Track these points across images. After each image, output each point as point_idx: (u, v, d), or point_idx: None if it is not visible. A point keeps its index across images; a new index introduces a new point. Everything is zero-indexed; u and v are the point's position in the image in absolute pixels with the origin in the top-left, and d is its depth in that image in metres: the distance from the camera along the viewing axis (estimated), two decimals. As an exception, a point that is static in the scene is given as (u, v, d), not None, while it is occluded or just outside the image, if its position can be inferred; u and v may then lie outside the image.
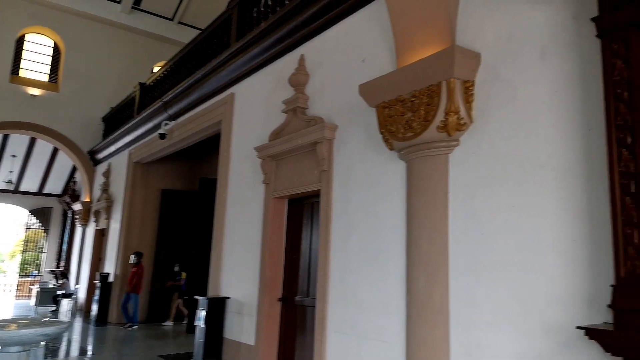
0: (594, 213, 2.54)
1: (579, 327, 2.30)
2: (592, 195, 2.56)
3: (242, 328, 5.40)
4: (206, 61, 6.98)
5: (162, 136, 7.97)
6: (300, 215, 5.16)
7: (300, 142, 4.70)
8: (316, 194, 4.65)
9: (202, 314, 5.66)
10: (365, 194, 3.99)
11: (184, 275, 9.42)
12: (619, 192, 2.32)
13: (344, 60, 4.49)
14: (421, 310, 3.25)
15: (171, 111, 8.04)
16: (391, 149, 3.68)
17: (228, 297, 5.74)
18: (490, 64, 3.20)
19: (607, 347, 2.22)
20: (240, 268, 5.65)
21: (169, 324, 9.33)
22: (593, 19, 2.53)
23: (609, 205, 2.40)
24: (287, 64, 5.27)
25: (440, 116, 3.25)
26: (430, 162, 3.39)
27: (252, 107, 5.92)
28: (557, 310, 2.62)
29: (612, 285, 2.29)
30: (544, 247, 2.74)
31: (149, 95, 9.68)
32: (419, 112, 3.38)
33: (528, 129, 2.91)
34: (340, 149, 4.35)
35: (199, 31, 8.25)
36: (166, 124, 8.00)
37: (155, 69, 12.45)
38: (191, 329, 7.22)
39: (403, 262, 3.53)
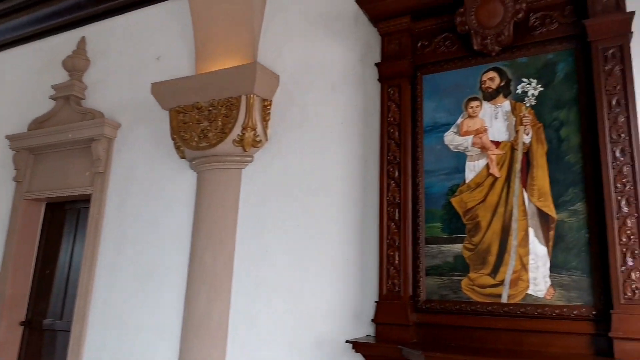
0: (365, 236, 2.82)
1: (347, 341, 2.49)
2: (366, 219, 2.85)
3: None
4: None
5: None
6: (61, 222, 4.38)
7: (72, 136, 4.03)
8: (85, 199, 4.03)
9: None
10: (148, 203, 3.64)
11: None
12: (386, 218, 2.64)
13: (135, 53, 4.07)
14: (199, 330, 3.08)
15: None
16: (182, 157, 3.47)
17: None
18: (288, 88, 3.32)
19: (369, 358, 2.47)
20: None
21: None
22: (376, 64, 2.87)
23: (377, 229, 2.73)
24: (63, 43, 4.50)
25: (237, 130, 3.20)
26: (223, 175, 3.30)
27: (11, 85, 4.85)
28: (328, 325, 2.81)
29: (376, 302, 2.57)
30: (320, 266, 2.92)
31: None
32: (217, 123, 3.27)
33: (316, 154, 3.10)
34: (122, 150, 3.89)
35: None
36: None
37: None
38: None
39: (184, 278, 3.31)
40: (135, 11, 4.14)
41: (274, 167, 3.23)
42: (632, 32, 2.29)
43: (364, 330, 2.69)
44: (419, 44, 2.84)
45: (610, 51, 2.30)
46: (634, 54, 2.30)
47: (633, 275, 2.01)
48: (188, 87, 3.39)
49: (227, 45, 3.47)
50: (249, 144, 3.21)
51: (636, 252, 2.03)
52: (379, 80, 2.85)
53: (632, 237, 2.05)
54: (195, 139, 3.33)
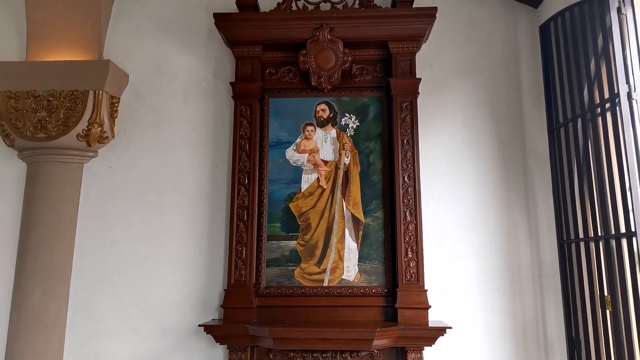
0: (213, 233, 3.21)
1: (200, 325, 2.87)
2: (213, 218, 3.23)
3: None
4: None
5: None
6: None
7: None
8: None
9: None
10: (-41, 193, 3.25)
11: None
12: (236, 218, 3.09)
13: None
14: (32, 327, 3.00)
15: None
16: (10, 145, 3.22)
17: None
18: (137, 88, 3.43)
19: (218, 338, 2.89)
20: None
21: None
22: (231, 83, 3.27)
23: (225, 227, 3.16)
24: None
25: (83, 125, 3.18)
26: (63, 168, 3.22)
27: None
28: (175, 313, 3.12)
29: (224, 290, 3.01)
30: (168, 259, 3.19)
31: None
32: (58, 114, 3.18)
33: (167, 155, 3.32)
34: None
35: None
36: None
37: None
38: None
39: (10, 274, 3.13)
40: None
41: (121, 163, 3.32)
42: (419, 92, 3.24)
43: (210, 315, 3.10)
44: (267, 71, 3.35)
45: (405, 104, 3.21)
46: (419, 108, 3.26)
47: (411, 264, 2.95)
48: (24, 73, 3.19)
49: (67, 34, 3.36)
50: (95, 140, 3.22)
51: (414, 248, 2.97)
52: (233, 97, 3.26)
53: (412, 237, 2.99)
54: (30, 129, 3.15)
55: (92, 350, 3.08)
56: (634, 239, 2.26)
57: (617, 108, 2.39)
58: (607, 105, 2.46)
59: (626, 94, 2.36)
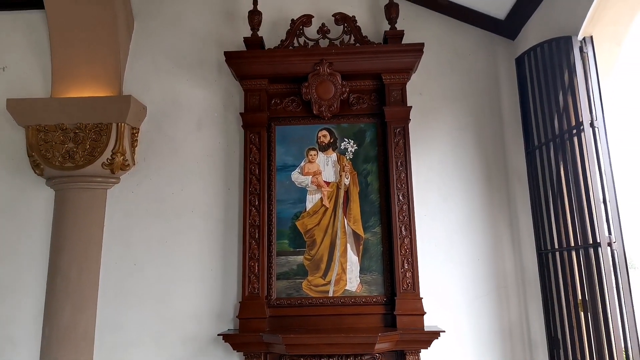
0: (227, 250, 3.53)
1: (219, 334, 3.18)
2: (227, 237, 3.55)
3: None
4: None
5: None
6: None
7: None
8: None
9: None
10: (-5, 219, 3.56)
11: None
12: (248, 236, 3.41)
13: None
14: (63, 340, 3.29)
15: None
16: (40, 174, 3.54)
17: None
18: (155, 118, 3.76)
19: (235, 346, 3.20)
20: None
21: None
22: (241, 114, 3.61)
23: (237, 245, 3.48)
24: None
25: (107, 154, 3.50)
26: (88, 194, 3.54)
27: None
28: (194, 325, 3.42)
29: (239, 302, 3.32)
30: (187, 275, 3.50)
31: None
32: (84, 145, 3.50)
33: (183, 179, 3.65)
34: (-44, 161, 3.65)
35: None
36: None
37: None
38: None
39: (42, 293, 3.42)
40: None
41: (141, 188, 3.64)
42: (410, 119, 3.59)
43: (226, 326, 3.41)
44: (273, 101, 3.70)
45: (398, 129, 3.56)
46: (411, 132, 3.61)
47: (407, 274, 3.28)
48: (53, 108, 3.51)
49: (90, 71, 3.68)
50: (118, 167, 3.54)
51: (409, 259, 3.30)
52: (243, 126, 3.59)
53: (407, 250, 3.32)
54: (59, 159, 3.47)
55: (118, 360, 3.37)
56: (599, 249, 2.61)
57: (582, 134, 2.75)
58: (574, 131, 2.83)
59: (589, 122, 2.73)
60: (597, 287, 2.64)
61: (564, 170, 2.93)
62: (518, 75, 3.45)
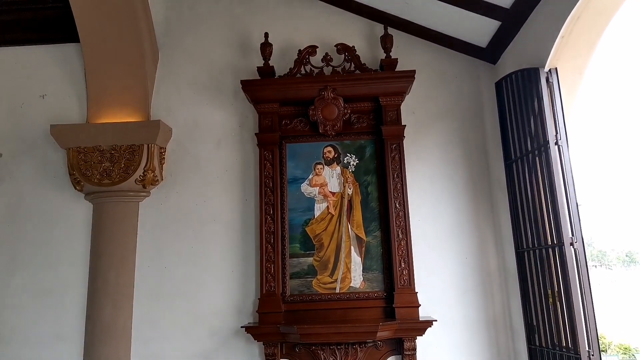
0: (246, 254, 4.02)
1: (242, 327, 3.67)
2: (245, 242, 4.05)
3: None
4: None
5: None
6: None
7: None
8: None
9: None
10: (41, 231, 4.05)
11: None
12: (264, 241, 3.90)
13: (17, 87, 4.34)
14: (105, 335, 3.77)
15: None
16: (80, 190, 4.02)
17: None
18: (180, 139, 4.26)
19: (255, 336, 3.69)
20: None
21: None
22: (256, 134, 4.11)
23: (255, 249, 3.98)
24: None
25: (140, 172, 3.99)
26: (123, 207, 4.03)
27: None
28: (219, 319, 3.91)
29: (258, 298, 3.81)
30: (211, 276, 3.99)
31: None
32: (120, 165, 3.99)
33: (206, 192, 4.15)
34: (5, 180, 4.14)
35: None
36: None
37: None
38: None
39: (83, 294, 3.91)
40: (17, 47, 4.37)
41: (169, 200, 4.13)
42: (404, 136, 4.09)
43: (246, 319, 3.90)
44: (284, 122, 4.20)
45: (394, 145, 4.06)
46: (406, 147, 4.10)
47: (404, 272, 3.78)
48: (91, 132, 4.00)
49: (121, 98, 4.18)
50: (149, 183, 4.03)
51: (406, 259, 3.80)
52: (258, 145, 4.09)
53: (404, 251, 3.82)
54: (97, 177, 3.96)
55: (153, 352, 3.85)
56: (564, 248, 3.12)
57: (549, 151, 3.26)
58: (542, 148, 3.34)
59: (554, 141, 3.25)
60: (563, 281, 3.14)
61: (535, 180, 3.44)
62: (497, 97, 3.96)
